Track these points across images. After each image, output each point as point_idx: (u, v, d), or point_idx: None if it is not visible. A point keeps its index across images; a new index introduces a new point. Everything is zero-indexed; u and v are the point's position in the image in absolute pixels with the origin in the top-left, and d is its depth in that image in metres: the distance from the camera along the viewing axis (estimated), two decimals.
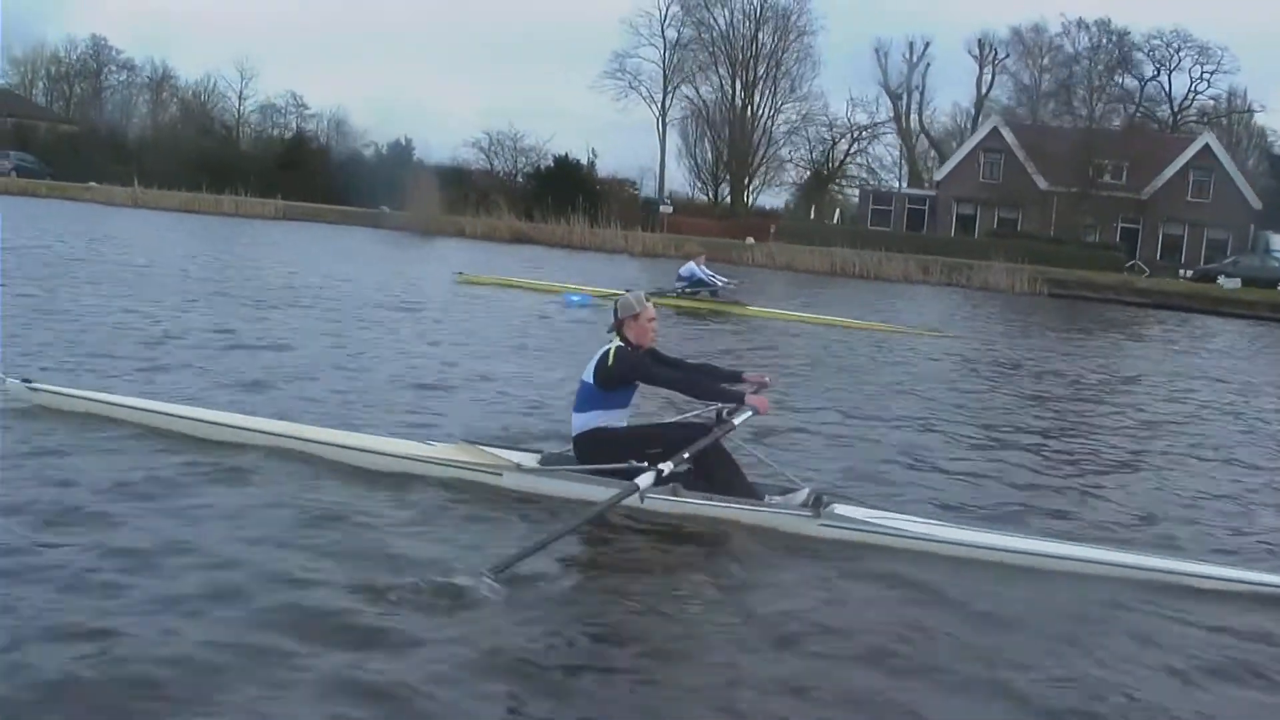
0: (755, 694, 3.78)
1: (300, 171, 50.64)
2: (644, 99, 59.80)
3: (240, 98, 61.91)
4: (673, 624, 4.38)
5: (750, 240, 41.63)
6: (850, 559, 5.25)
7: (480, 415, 8.07)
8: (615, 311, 5.92)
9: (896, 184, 61.86)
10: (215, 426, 6.33)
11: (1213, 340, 24.88)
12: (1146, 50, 54.83)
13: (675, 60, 59.92)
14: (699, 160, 60.74)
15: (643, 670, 3.91)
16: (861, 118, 60.19)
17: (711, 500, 5.55)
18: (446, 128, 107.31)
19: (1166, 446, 9.57)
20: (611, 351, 5.72)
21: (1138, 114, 51.03)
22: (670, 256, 39.28)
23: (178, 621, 3.89)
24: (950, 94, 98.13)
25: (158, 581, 4.24)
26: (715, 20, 61.69)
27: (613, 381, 5.68)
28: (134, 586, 4.17)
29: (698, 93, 61.99)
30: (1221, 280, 39.82)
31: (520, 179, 53.84)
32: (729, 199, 61.19)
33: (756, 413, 5.71)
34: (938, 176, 52.80)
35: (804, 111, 60.02)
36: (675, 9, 60.45)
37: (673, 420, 6.16)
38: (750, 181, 62.59)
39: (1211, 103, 60.90)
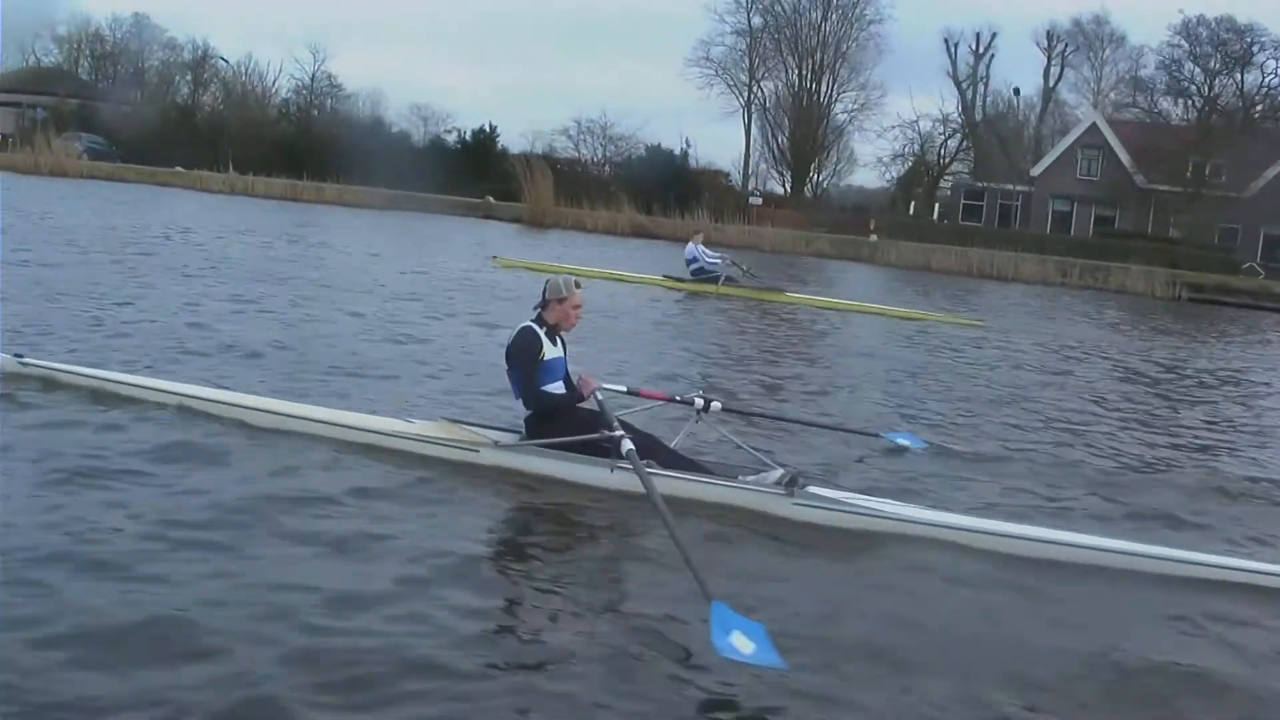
0: (711, 675, 3.77)
1: (379, 158, 48.98)
2: (729, 87, 58.43)
3: (313, 79, 59.68)
4: (634, 598, 4.53)
5: (874, 237, 40.61)
6: (822, 539, 5.39)
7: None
8: (544, 290, 6.03)
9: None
10: (205, 403, 6.42)
11: None
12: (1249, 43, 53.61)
13: (758, 47, 58.60)
14: (775, 150, 59.55)
15: (605, 644, 3.96)
16: (929, 109, 59.28)
17: (686, 476, 5.65)
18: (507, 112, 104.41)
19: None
20: (515, 331, 5.94)
21: (1255, 110, 49.99)
22: (802, 254, 38.41)
23: (148, 590, 3.98)
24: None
25: (128, 551, 4.32)
26: (782, 6, 60.75)
27: (510, 360, 5.89)
28: (107, 558, 4.23)
29: (764, 83, 61.00)
30: None
31: (609, 169, 52.43)
32: (802, 190, 60.19)
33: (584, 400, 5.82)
34: (1035, 172, 51.87)
35: (862, 101, 59.20)
36: None
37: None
38: (820, 173, 61.64)
39: None
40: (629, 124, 57.67)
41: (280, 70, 65.00)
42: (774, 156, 59.62)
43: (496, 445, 5.89)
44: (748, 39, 59.81)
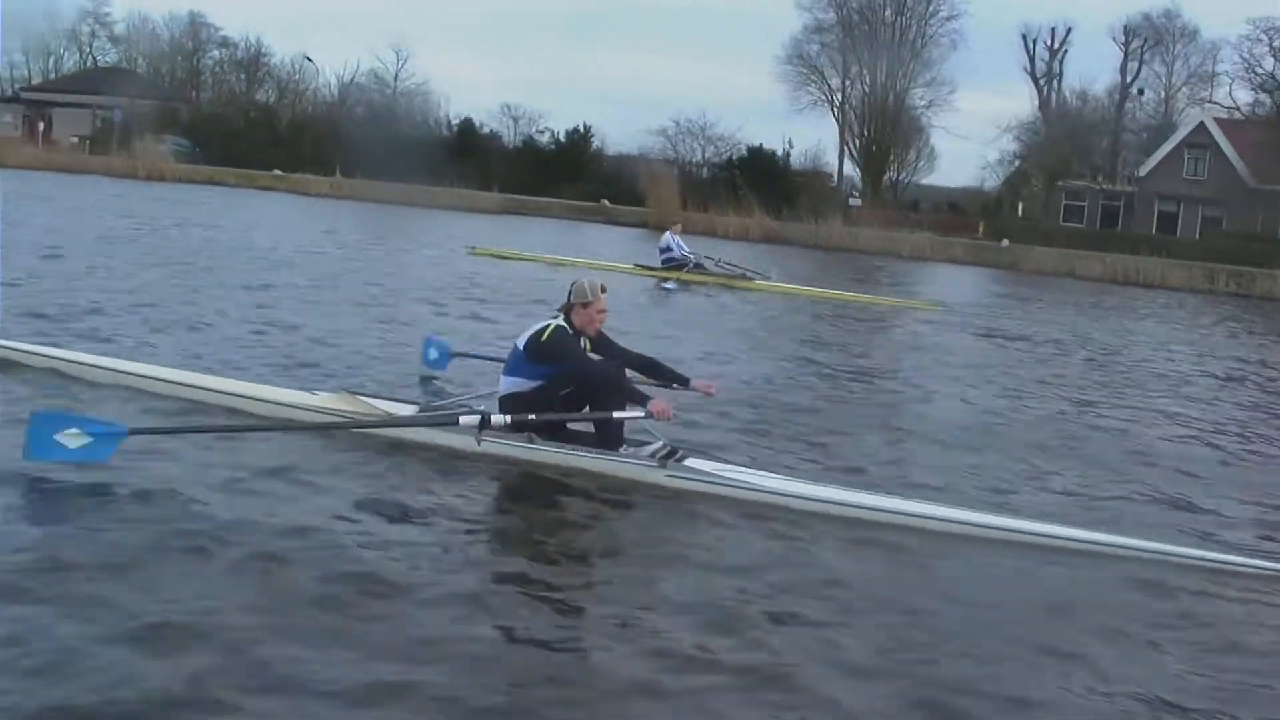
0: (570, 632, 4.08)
1: (470, 160, 47.96)
2: (817, 85, 57.36)
3: (395, 79, 58.42)
4: (505, 561, 4.83)
5: (1006, 241, 39.69)
6: (692, 510, 5.61)
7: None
8: (569, 294, 6.19)
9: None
10: (142, 379, 6.79)
11: None
12: None
13: (839, 44, 57.57)
14: (855, 149, 58.58)
15: (467, 602, 4.18)
16: (1001, 107, 58.22)
17: (562, 449, 5.95)
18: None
19: None
20: (550, 329, 6.02)
21: None
22: (936, 260, 37.49)
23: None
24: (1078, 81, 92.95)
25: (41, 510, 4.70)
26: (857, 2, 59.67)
27: (542, 357, 5.97)
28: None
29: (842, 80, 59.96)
30: None
31: (707, 170, 51.38)
32: (878, 189, 59.21)
33: (651, 417, 5.89)
34: (1140, 173, 50.95)
35: (930, 98, 58.19)
36: None
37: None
38: (900, 171, 60.71)
39: None
40: (728, 124, 56.60)
41: (357, 69, 63.34)
42: (854, 155, 58.60)
43: (391, 418, 6.19)
44: (832, 35, 58.87)
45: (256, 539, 4.57)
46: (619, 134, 55.00)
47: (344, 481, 5.49)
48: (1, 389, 6.62)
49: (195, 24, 69.76)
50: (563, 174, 47.18)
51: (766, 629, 4.23)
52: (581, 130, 50.79)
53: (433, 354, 8.44)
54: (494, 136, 52.87)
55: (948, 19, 59.32)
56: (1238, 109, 51.14)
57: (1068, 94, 62.56)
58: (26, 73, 70.00)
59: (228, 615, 3.86)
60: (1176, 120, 56.25)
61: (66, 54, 71.30)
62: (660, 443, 6.07)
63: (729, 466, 6.08)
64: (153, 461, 5.39)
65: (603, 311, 6.17)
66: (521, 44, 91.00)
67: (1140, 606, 4.97)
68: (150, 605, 3.85)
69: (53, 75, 69.62)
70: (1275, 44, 50.84)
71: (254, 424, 6.04)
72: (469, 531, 5.05)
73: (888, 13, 60.03)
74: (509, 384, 6.08)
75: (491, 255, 21.25)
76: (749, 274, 20.23)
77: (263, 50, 68.36)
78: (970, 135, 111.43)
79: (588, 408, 6.07)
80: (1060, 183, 51.88)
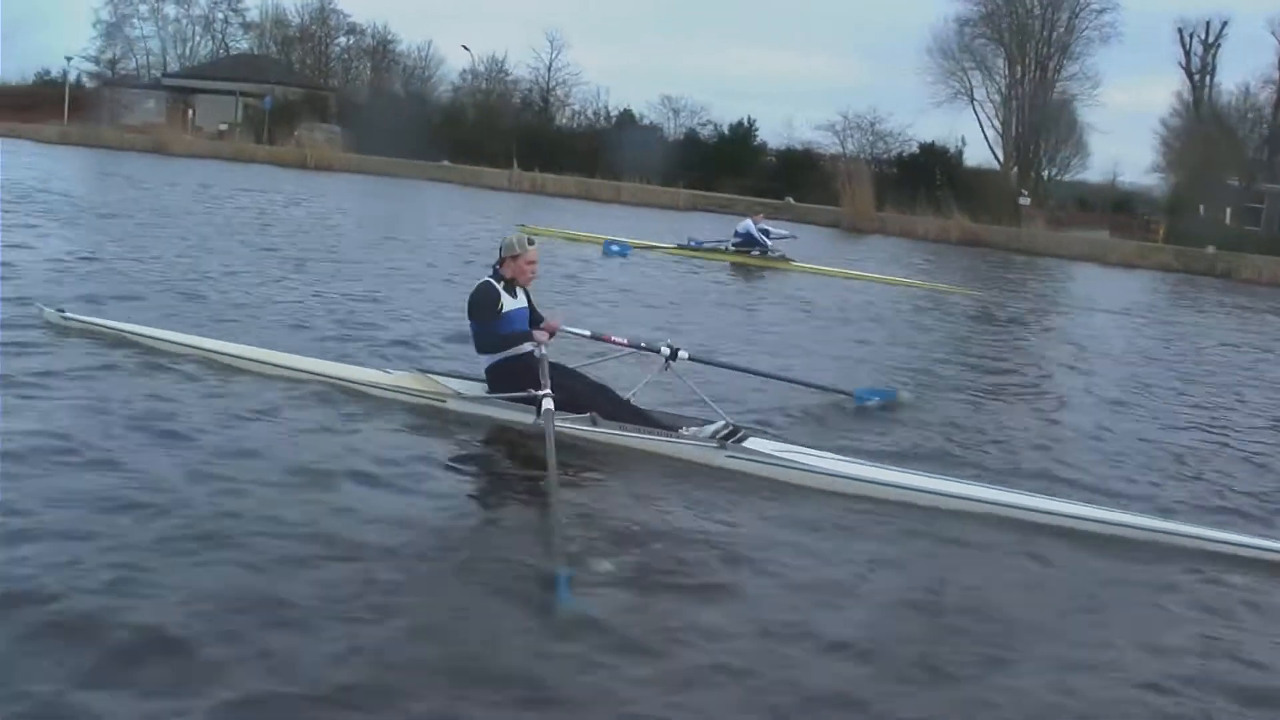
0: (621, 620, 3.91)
1: (629, 153, 47.03)
2: (959, 79, 55.67)
3: (549, 69, 57.60)
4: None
5: (1211, 248, 38.04)
6: (752, 491, 5.58)
7: None
8: (500, 248, 6.47)
9: None
10: (215, 355, 7.16)
11: None
12: None
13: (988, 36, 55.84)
14: (1009, 144, 56.82)
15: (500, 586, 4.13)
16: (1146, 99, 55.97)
17: (625, 430, 6.04)
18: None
19: None
20: (476, 286, 6.40)
21: None
22: (1145, 267, 35.90)
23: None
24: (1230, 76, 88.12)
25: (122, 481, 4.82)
26: None
27: (469, 311, 6.36)
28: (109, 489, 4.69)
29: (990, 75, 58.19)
30: None
31: (876, 166, 49.99)
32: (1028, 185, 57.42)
33: (540, 344, 6.16)
34: None
35: (1075, 92, 56.12)
36: None
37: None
38: (1052, 169, 58.88)
39: None
40: (898, 120, 54.65)
41: (505, 57, 62.50)
42: (1014, 152, 56.85)
43: (459, 395, 6.48)
44: (980, 27, 57.13)
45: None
46: (767, 128, 53.27)
47: (397, 453, 5.68)
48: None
49: (325, 10, 69.94)
50: (726, 168, 46.09)
51: (817, 617, 4.14)
52: (746, 124, 49.78)
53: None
54: (654, 129, 51.97)
55: (1100, 12, 57.47)
56: None
57: (1222, 90, 60.49)
58: (163, 59, 70.45)
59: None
60: None
61: (201, 41, 71.65)
62: (722, 423, 6.24)
63: (790, 447, 6.09)
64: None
65: (532, 263, 6.45)
66: (654, 33, 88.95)
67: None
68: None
69: (188, 62, 69.95)
70: None
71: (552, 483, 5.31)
72: (510, 508, 5.25)
73: (1036, 5, 58.37)
74: (484, 359, 6.39)
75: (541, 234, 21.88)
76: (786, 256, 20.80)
77: (389, 37, 68.38)
78: (1112, 130, 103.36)
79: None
80: (1235, 182, 49.84)
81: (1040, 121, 56.56)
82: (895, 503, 5.53)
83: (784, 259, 20.79)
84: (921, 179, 43.07)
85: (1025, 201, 47.43)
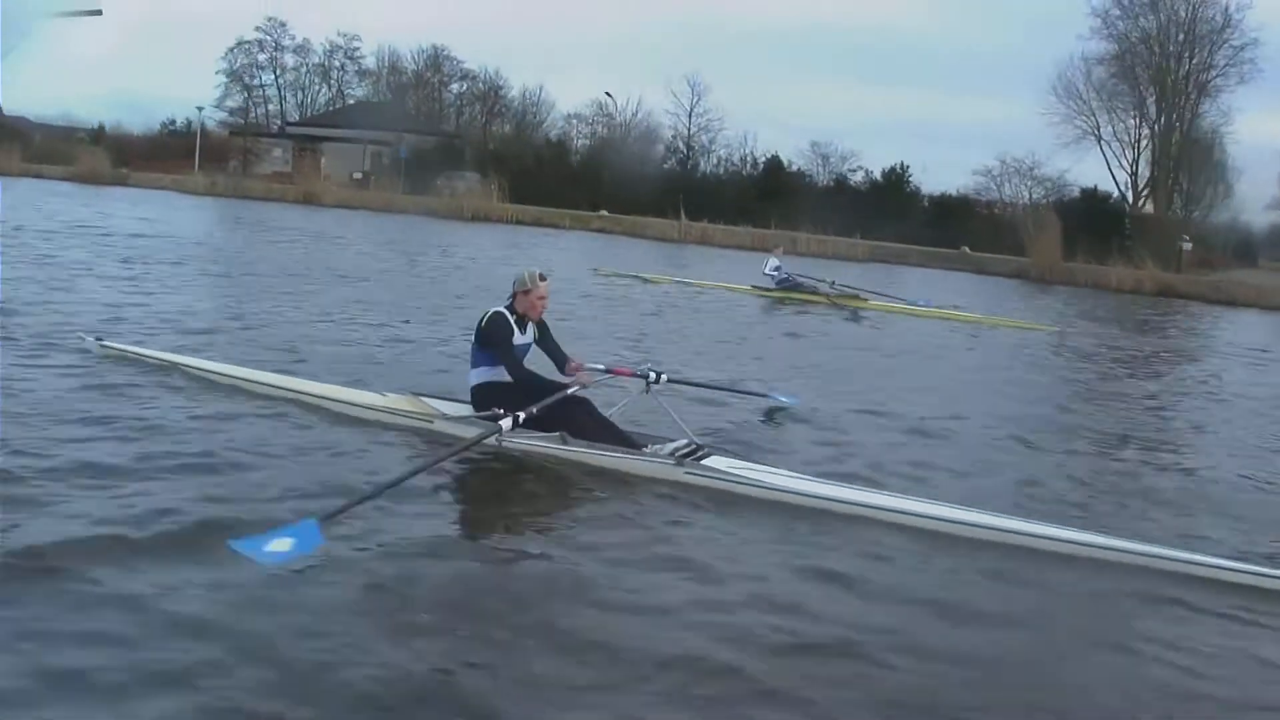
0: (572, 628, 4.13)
1: (779, 200, 45.90)
2: (1087, 118, 53.93)
3: (690, 115, 56.84)
4: (524, 559, 4.94)
5: None
6: (711, 508, 5.83)
7: None
8: (514, 283, 6.78)
9: None
10: (231, 379, 7.69)
11: None
12: None
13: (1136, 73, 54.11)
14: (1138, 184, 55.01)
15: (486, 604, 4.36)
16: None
17: (593, 449, 6.39)
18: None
19: None
20: (489, 315, 6.67)
21: None
22: None
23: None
24: None
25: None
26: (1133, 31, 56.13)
27: (482, 340, 6.63)
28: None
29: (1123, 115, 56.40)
30: None
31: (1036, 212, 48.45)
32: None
33: (581, 386, 6.62)
34: None
35: (1214, 127, 54.08)
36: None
37: (548, 379, 6.68)
38: (1196, 208, 56.91)
39: None
40: (1055, 164, 52.90)
41: (639, 104, 61.83)
42: (1160, 193, 55.05)
43: (445, 417, 6.84)
44: (1112, 65, 55.49)
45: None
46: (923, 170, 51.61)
47: (386, 464, 6.03)
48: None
49: (439, 56, 70.10)
50: (880, 214, 44.88)
51: (767, 635, 4.22)
52: (899, 169, 48.56)
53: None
54: (802, 176, 50.94)
55: (1239, 49, 55.64)
56: None
57: None
58: (280, 108, 70.93)
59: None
60: None
61: (319, 89, 72.11)
62: (684, 441, 6.61)
63: (748, 465, 6.35)
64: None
65: (543, 298, 6.71)
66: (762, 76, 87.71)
67: None
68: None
69: (307, 111, 70.37)
70: None
71: (411, 471, 5.49)
72: (483, 525, 5.55)
73: (1171, 45, 56.69)
74: (474, 375, 6.65)
75: (613, 275, 22.23)
76: (860, 294, 20.18)
77: (500, 82, 68.23)
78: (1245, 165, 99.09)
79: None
80: None
81: (1186, 161, 54.83)
82: (842, 516, 5.75)
83: (856, 296, 20.16)
84: (1081, 224, 41.46)
85: (1188, 246, 45.68)
